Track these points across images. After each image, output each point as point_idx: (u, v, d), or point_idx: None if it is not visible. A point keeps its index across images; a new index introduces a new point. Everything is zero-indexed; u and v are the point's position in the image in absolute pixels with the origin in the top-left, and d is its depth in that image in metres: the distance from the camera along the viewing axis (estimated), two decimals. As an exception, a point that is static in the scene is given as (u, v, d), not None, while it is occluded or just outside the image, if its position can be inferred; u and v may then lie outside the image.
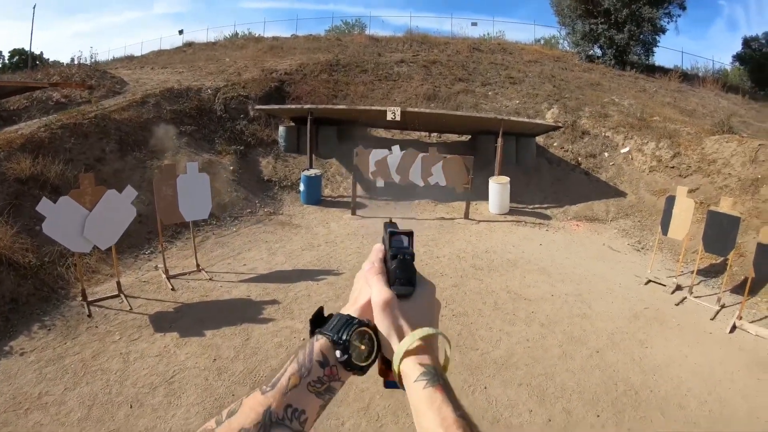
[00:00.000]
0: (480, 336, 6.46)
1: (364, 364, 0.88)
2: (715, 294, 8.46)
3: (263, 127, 14.63)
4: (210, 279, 7.73)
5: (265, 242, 9.58)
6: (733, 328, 7.39)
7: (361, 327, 0.88)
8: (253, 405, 0.81)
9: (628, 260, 10.16)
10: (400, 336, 0.86)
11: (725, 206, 8.20)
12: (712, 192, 11.96)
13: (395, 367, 0.86)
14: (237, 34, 29.90)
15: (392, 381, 0.89)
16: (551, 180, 14.23)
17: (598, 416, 5.13)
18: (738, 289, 8.50)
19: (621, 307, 7.77)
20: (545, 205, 13.19)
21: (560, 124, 15.14)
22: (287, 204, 12.16)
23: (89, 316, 6.41)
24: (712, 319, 7.70)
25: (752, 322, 7.68)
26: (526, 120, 14.83)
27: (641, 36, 24.71)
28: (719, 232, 8.10)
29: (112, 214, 6.60)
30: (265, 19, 60.91)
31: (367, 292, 0.93)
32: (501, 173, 12.55)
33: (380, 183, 11.51)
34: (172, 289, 7.29)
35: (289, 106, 14.61)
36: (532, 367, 5.84)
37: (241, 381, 5.23)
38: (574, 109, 16.84)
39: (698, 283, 8.93)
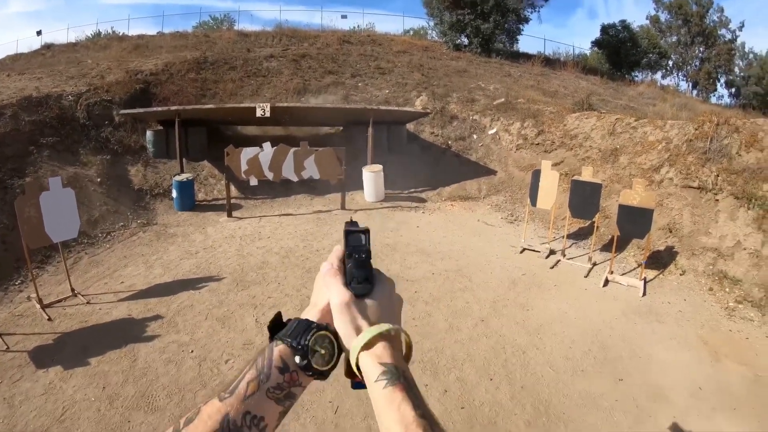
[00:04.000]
0: (366, 322, 6.58)
1: (324, 368, 0.87)
2: (586, 254, 9.22)
3: (130, 133, 13.74)
4: (87, 302, 7.14)
5: (141, 255, 9.05)
6: (606, 282, 8.12)
7: (320, 331, 0.87)
8: (211, 413, 0.78)
9: (502, 233, 10.72)
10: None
11: (587, 175, 8.95)
12: (576, 163, 12.85)
13: (352, 364, 0.86)
14: (100, 33, 27.75)
15: (359, 382, 0.87)
16: (424, 164, 14.64)
17: (491, 380, 5.40)
18: (606, 248, 9.38)
19: (500, 277, 8.21)
20: (420, 189, 13.58)
21: (429, 111, 15.70)
22: (161, 213, 11.59)
23: (-34, 363, 5.75)
24: (585, 277, 8.40)
25: (623, 274, 8.50)
26: (396, 108, 15.22)
27: (506, 25, 26.22)
28: (584, 198, 8.84)
29: (-31, 244, 6.00)
30: (129, 15, 57.52)
31: (326, 294, 0.93)
32: (374, 162, 12.76)
33: (254, 182, 11.28)
34: (49, 320, 6.64)
35: (155, 109, 13.88)
36: (421, 344, 5.98)
37: (135, 405, 4.93)
38: (442, 96, 17.42)
39: (569, 246, 9.69)
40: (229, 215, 11.31)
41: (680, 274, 8.51)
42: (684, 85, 37.77)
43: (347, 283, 0.92)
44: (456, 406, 4.99)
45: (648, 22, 38.29)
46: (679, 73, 39.28)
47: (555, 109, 16.15)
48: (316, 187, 12.69)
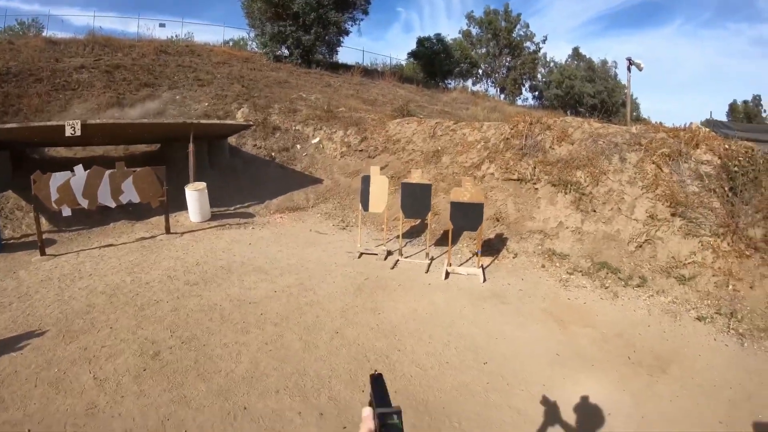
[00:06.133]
0: (218, 356, 6.01)
1: None
2: (423, 250, 10.00)
3: None
4: None
5: (-56, 319, 7.46)
6: (447, 274, 8.81)
7: None
8: None
9: (337, 240, 11.03)
10: None
11: (415, 177, 9.80)
12: (400, 167, 13.91)
13: None
14: None
15: None
16: (249, 178, 14.67)
17: (363, 391, 5.17)
18: (441, 242, 10.33)
19: (344, 285, 8.28)
20: (247, 204, 13.48)
21: (251, 123, 15.78)
22: (-37, 260, 9.75)
23: None
24: (426, 272, 8.98)
25: (461, 265, 9.36)
26: (217, 122, 15.06)
27: (327, 37, 27.23)
28: (414, 199, 9.60)
29: None
30: None
31: None
32: (197, 179, 12.37)
33: (67, 212, 10.25)
34: None
35: (-59, 135, 12.17)
36: (281, 369, 5.67)
37: None
38: (263, 107, 17.66)
39: (405, 245, 10.33)
40: (42, 253, 9.98)
41: (513, 257, 9.55)
42: (493, 91, 43.22)
43: None
44: (337, 428, 4.73)
45: (461, 35, 43.14)
46: (489, 80, 45.08)
47: (376, 116, 17.18)
48: (137, 211, 11.96)
